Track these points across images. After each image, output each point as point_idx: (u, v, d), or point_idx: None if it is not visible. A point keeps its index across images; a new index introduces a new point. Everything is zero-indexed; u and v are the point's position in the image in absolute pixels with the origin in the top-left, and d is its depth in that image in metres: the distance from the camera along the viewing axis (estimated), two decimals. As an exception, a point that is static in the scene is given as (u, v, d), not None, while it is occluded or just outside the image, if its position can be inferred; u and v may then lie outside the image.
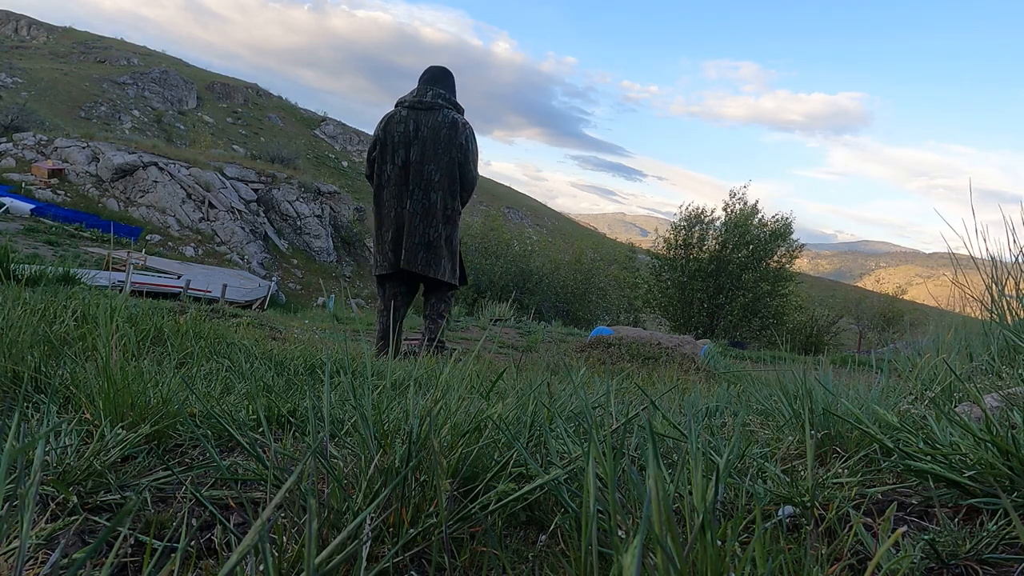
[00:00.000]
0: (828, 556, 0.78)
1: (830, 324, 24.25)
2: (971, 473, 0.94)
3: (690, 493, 0.69)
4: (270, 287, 19.82)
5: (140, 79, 54.01)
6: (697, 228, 23.80)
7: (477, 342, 7.05)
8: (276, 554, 0.71)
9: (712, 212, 24.08)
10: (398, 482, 0.80)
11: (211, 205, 25.24)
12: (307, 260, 27.28)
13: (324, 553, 0.65)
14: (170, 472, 0.97)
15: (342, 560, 0.69)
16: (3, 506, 0.64)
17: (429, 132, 4.51)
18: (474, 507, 0.84)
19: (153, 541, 0.78)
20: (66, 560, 0.71)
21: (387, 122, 4.61)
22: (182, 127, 50.96)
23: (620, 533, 0.68)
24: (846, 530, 0.82)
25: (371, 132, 4.85)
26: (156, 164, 25.45)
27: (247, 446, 0.91)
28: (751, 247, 22.88)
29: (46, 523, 0.78)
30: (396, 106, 4.69)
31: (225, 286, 15.22)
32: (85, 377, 1.23)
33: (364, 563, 0.71)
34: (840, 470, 1.05)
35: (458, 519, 0.83)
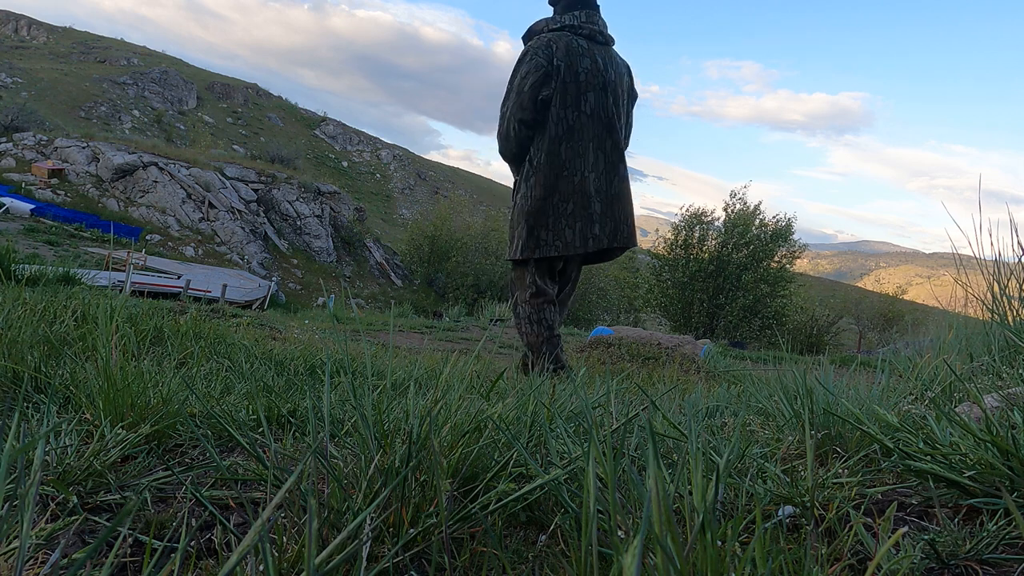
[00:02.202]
0: (828, 556, 0.78)
1: (830, 324, 24.25)
2: (971, 473, 0.94)
3: (690, 493, 0.69)
4: (270, 287, 19.83)
5: (140, 79, 54.04)
6: (697, 228, 23.82)
7: (477, 342, 7.05)
8: (276, 554, 0.71)
9: (712, 212, 24.12)
10: (398, 482, 0.80)
11: (211, 205, 25.24)
12: (307, 260, 27.27)
13: (324, 553, 0.65)
14: (170, 472, 0.97)
15: (342, 560, 0.69)
16: (3, 506, 0.64)
17: (616, 76, 3.38)
18: (474, 507, 0.84)
19: (153, 541, 0.78)
20: (66, 560, 0.71)
21: (565, 50, 3.22)
22: (182, 127, 50.98)
23: (620, 533, 0.68)
24: (846, 530, 0.82)
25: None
26: (156, 164, 25.46)
27: (247, 446, 0.91)
28: (751, 247, 22.89)
29: (46, 523, 0.78)
30: (559, 29, 3.31)
31: (225, 286, 15.23)
32: (85, 377, 1.23)
33: (364, 563, 0.71)
34: (840, 470, 1.04)
35: (458, 519, 0.83)
